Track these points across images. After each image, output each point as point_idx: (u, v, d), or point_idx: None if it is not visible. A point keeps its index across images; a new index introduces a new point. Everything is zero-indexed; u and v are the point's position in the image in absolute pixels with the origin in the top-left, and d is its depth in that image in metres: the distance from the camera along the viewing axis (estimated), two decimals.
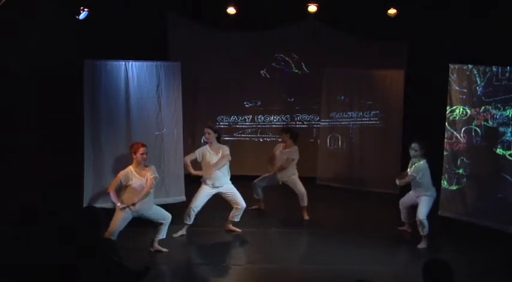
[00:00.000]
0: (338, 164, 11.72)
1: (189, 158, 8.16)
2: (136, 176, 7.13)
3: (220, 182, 8.08)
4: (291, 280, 6.61)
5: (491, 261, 7.08)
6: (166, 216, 7.31)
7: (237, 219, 8.31)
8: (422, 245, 7.84)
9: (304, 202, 9.24)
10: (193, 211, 8.01)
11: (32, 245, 4.43)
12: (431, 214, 8.41)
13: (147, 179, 7.12)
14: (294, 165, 9.27)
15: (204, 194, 8.07)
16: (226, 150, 8.10)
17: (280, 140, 9.69)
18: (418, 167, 7.90)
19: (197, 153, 8.11)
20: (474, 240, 7.82)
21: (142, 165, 7.20)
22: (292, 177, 9.27)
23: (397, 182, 8.21)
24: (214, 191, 8.10)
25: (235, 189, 8.24)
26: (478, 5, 9.41)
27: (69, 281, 4.30)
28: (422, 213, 7.81)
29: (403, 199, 8.38)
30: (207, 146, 8.16)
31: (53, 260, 4.29)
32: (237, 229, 8.37)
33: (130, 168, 7.20)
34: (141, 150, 7.16)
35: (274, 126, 12.22)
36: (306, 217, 9.28)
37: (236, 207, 8.23)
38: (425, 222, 7.79)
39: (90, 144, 8.54)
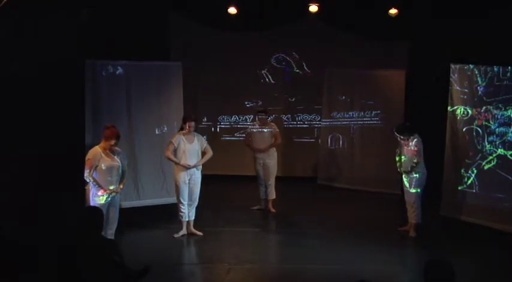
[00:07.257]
0: (339, 164, 11.72)
1: (170, 152, 7.94)
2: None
3: (191, 170, 7.94)
4: (291, 280, 6.61)
5: (492, 262, 7.07)
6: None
7: (192, 217, 8.08)
8: (412, 233, 8.03)
9: (273, 195, 9.43)
10: (183, 205, 7.93)
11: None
12: (432, 214, 8.41)
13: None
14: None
15: (182, 184, 7.93)
16: (204, 142, 8.02)
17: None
18: (417, 141, 7.92)
19: (175, 143, 7.90)
20: (475, 240, 7.80)
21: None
22: (274, 162, 9.45)
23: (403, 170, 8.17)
24: (187, 178, 7.93)
25: (199, 183, 8.05)
26: (479, 5, 9.40)
27: (69, 280, 4.31)
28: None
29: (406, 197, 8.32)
30: (181, 135, 7.94)
31: (54, 259, 4.30)
32: (198, 232, 8.12)
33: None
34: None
35: None
36: (273, 210, 9.46)
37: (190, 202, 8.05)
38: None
39: (92, 145, 8.53)
